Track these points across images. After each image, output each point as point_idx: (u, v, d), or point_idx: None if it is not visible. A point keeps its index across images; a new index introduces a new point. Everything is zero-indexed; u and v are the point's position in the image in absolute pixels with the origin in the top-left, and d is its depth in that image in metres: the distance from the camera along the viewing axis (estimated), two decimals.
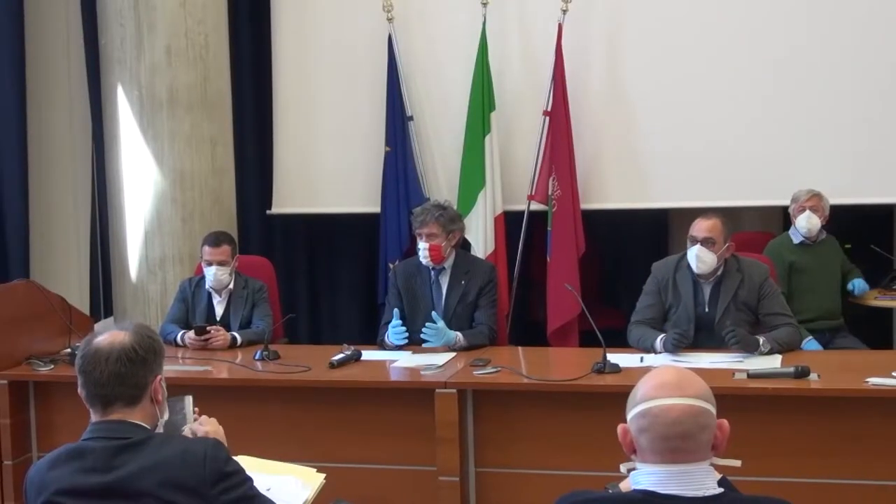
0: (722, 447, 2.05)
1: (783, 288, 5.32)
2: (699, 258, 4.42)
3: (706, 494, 2.00)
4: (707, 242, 4.42)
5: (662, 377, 2.07)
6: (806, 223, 5.51)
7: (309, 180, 6.64)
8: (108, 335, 2.43)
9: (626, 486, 2.11)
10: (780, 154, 5.99)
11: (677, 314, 4.49)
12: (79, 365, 2.41)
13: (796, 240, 5.61)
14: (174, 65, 6.07)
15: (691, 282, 4.50)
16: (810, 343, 5.19)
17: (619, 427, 2.09)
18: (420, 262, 4.91)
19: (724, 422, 2.06)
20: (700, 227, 4.45)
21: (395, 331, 4.64)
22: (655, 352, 4.29)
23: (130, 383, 2.39)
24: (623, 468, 2.09)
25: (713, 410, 2.04)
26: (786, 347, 4.29)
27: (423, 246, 4.83)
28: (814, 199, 5.54)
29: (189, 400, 2.67)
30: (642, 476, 2.03)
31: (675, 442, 2.00)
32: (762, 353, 4.21)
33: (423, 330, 4.59)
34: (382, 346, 4.72)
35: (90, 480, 2.33)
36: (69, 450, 2.40)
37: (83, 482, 2.33)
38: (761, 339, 4.26)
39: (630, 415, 2.07)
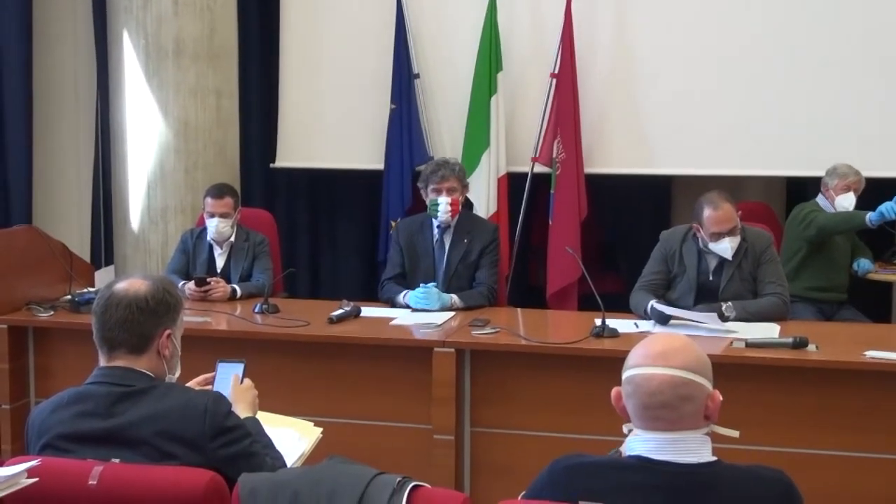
0: (714, 418, 2.05)
1: (803, 251, 5.33)
2: (732, 248, 4.39)
3: (700, 461, 2.01)
4: (733, 231, 4.39)
5: (652, 346, 2.08)
6: (850, 206, 5.37)
7: (313, 135, 6.61)
8: (128, 282, 2.46)
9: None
10: (786, 124, 5.96)
11: (681, 283, 4.49)
12: (94, 306, 2.46)
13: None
14: (181, 15, 6.03)
15: (696, 252, 4.48)
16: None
17: (613, 391, 2.12)
18: (423, 220, 4.89)
19: (716, 392, 2.06)
20: (721, 220, 4.36)
21: (417, 296, 4.55)
22: (647, 315, 4.28)
23: (135, 332, 2.41)
24: (625, 429, 2.11)
25: (701, 381, 2.03)
26: (756, 317, 4.26)
27: (444, 200, 4.77)
28: (860, 181, 5.44)
29: (240, 367, 2.79)
30: (637, 443, 2.05)
31: (655, 411, 2.02)
32: (727, 319, 4.20)
33: (415, 294, 4.57)
34: (392, 304, 4.68)
35: (90, 425, 2.35)
36: (72, 393, 2.42)
37: (83, 426, 2.35)
38: (724, 305, 4.27)
39: (623, 379, 2.09)
